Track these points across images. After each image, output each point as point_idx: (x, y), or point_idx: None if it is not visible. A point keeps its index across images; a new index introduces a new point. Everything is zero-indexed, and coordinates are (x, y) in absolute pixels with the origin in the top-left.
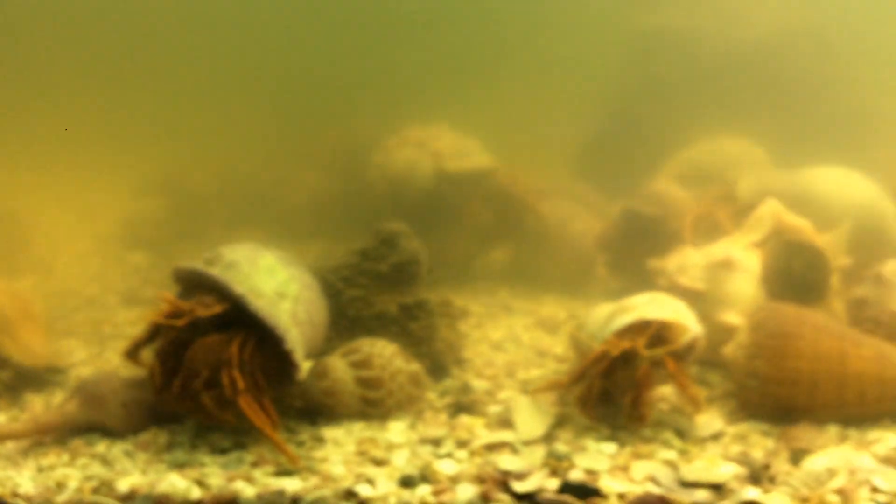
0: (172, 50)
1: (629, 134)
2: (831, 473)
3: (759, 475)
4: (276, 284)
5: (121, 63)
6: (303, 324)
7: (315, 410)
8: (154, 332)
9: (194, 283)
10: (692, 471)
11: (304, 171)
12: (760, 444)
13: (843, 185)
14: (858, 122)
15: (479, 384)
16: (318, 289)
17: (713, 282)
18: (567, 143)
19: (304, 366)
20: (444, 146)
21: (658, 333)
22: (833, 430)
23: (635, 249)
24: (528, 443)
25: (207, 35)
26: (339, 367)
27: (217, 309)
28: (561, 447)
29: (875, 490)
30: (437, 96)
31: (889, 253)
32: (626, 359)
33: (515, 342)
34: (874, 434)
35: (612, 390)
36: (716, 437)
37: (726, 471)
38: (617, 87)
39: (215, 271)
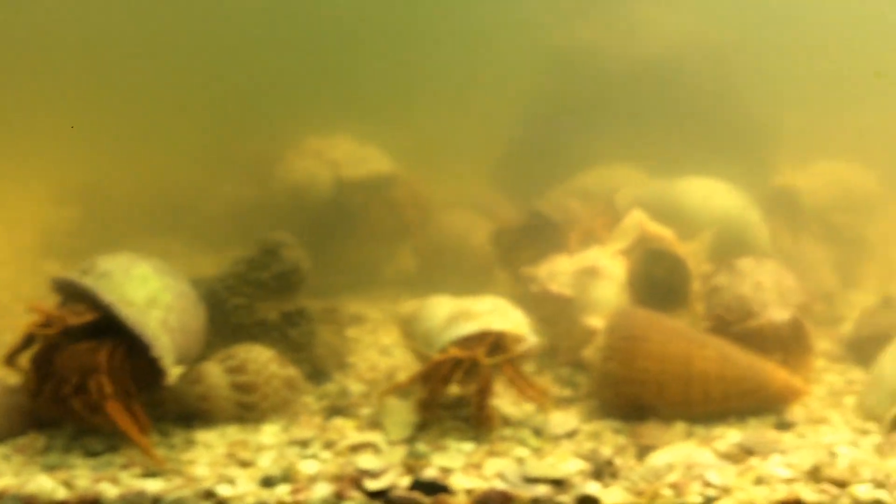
0: (91, 55)
1: (540, 147)
2: (670, 468)
3: (602, 471)
4: (147, 293)
5: (37, 67)
6: (174, 331)
7: (191, 415)
8: (28, 340)
9: (70, 293)
10: (536, 467)
11: (223, 181)
12: (612, 441)
13: (709, 196)
14: (755, 135)
15: (357, 388)
16: (195, 298)
17: (580, 288)
18: (483, 154)
19: (175, 371)
20: (341, 155)
21: (496, 341)
22: (680, 427)
23: (528, 251)
24: (393, 443)
25: (126, 41)
26: (214, 372)
27: (88, 317)
28: (422, 447)
29: (707, 484)
30: (354, 107)
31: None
32: (466, 366)
33: (404, 347)
34: (718, 431)
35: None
36: (571, 434)
37: (571, 467)
38: (531, 100)
39: (88, 281)
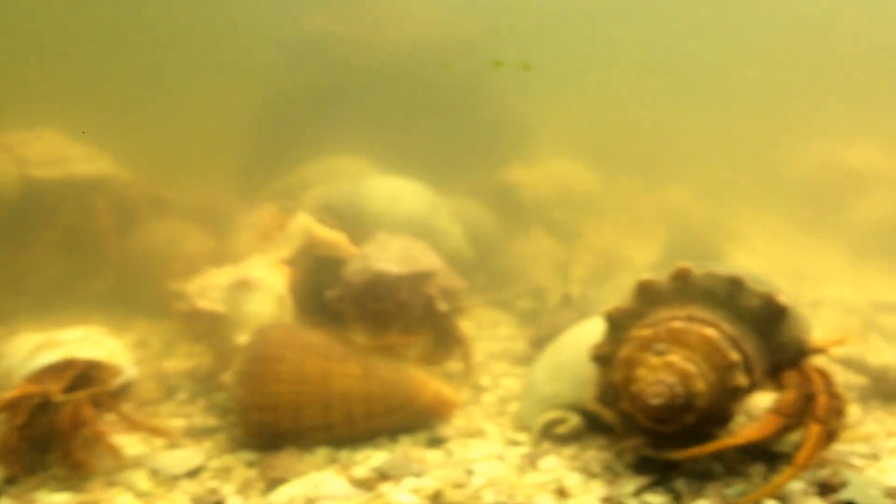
0: None
1: (276, 141)
2: (291, 503)
3: None
4: None
5: None
6: None
7: None
8: None
9: None
10: None
11: None
12: (242, 476)
13: (395, 199)
14: (500, 129)
15: None
16: None
17: (232, 303)
18: (228, 152)
19: None
20: (35, 153)
21: (87, 374)
22: (322, 454)
23: None
24: None
25: None
26: None
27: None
28: (6, 502)
29: None
30: (95, 105)
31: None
32: (45, 405)
33: None
34: (363, 454)
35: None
36: (194, 473)
37: None
38: (270, 92)
39: None
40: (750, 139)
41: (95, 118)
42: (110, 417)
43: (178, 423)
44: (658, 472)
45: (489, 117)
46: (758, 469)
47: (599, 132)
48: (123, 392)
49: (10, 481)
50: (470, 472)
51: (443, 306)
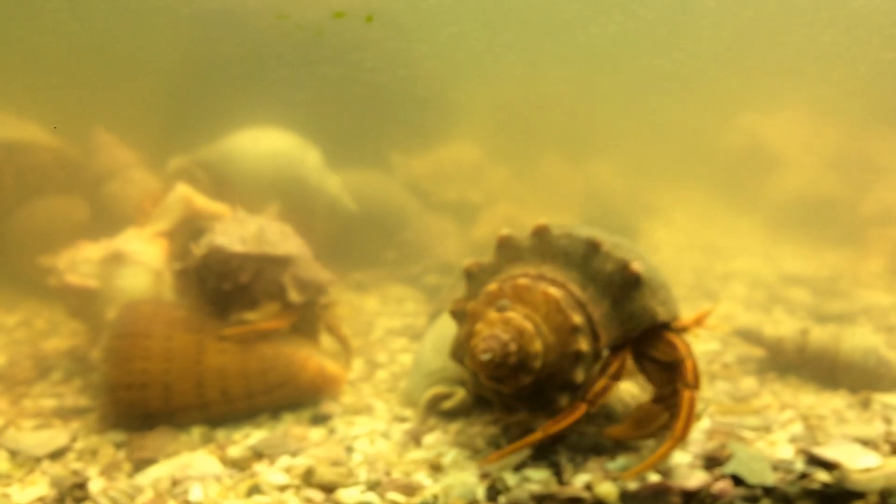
0: None
1: (183, 114)
2: (155, 484)
3: (66, 496)
4: None
5: None
6: None
7: None
8: None
9: None
10: None
11: None
12: (110, 457)
13: (261, 153)
14: (426, 108)
15: None
16: None
17: (105, 278)
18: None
19: None
20: None
21: None
22: (197, 433)
23: None
24: None
25: None
26: None
27: None
28: None
29: (185, 502)
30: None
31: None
32: None
33: None
34: (242, 432)
35: None
36: (57, 454)
37: (31, 495)
38: (176, 65)
39: None
40: (674, 117)
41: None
42: None
43: (48, 404)
44: (541, 446)
45: (411, 95)
46: (648, 443)
47: (524, 110)
48: None
49: None
50: (350, 450)
51: (295, 297)
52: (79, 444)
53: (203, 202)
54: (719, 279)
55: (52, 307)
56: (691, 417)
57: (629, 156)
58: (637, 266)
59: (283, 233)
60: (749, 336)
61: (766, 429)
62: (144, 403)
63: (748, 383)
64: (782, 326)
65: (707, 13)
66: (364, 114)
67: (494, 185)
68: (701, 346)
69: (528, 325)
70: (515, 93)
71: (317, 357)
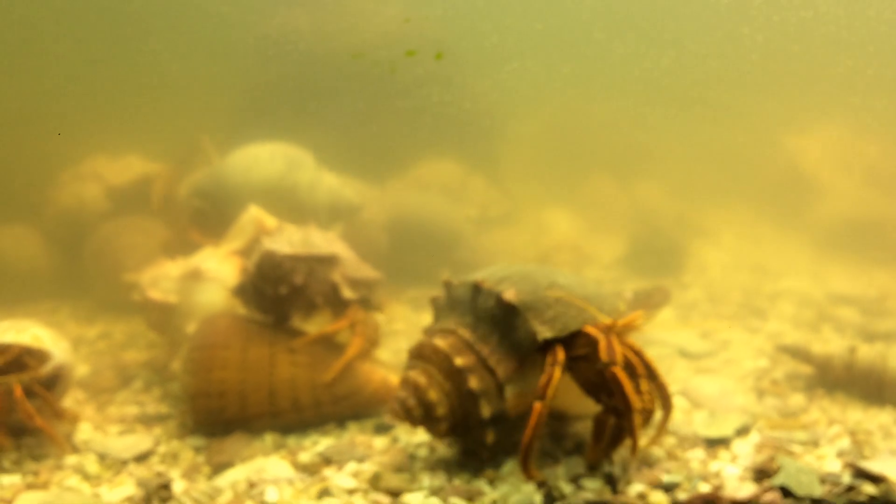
0: None
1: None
2: (233, 487)
3: (152, 496)
4: None
5: None
6: None
7: None
8: None
9: None
10: (62, 499)
11: None
12: (190, 460)
13: (250, 166)
14: (470, 120)
15: None
16: None
17: (184, 293)
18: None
19: None
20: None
21: (18, 359)
22: (270, 440)
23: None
24: None
25: None
26: None
27: None
28: None
29: (261, 503)
30: None
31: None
32: None
33: None
34: (311, 440)
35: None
36: (142, 457)
37: (119, 495)
38: (241, 89)
39: None
40: (719, 139)
41: None
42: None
43: (131, 411)
44: (595, 459)
45: (461, 119)
46: (697, 454)
47: (571, 133)
48: (56, 379)
49: None
50: (413, 458)
51: (348, 293)
52: (161, 448)
53: (273, 222)
54: (767, 298)
55: (128, 320)
56: (625, 389)
57: (676, 178)
58: (509, 295)
59: (326, 237)
60: (797, 354)
61: (814, 443)
62: (222, 411)
63: (796, 399)
64: (830, 345)
65: (755, 48)
66: (429, 140)
67: (543, 208)
68: (750, 364)
69: (422, 379)
70: (568, 120)
71: (380, 370)
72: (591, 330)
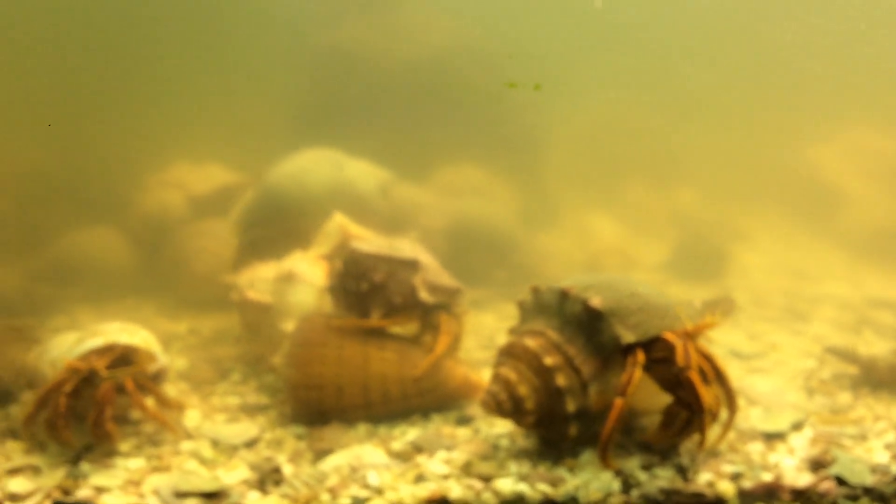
0: None
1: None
2: (337, 471)
3: (266, 479)
4: None
5: None
6: None
7: None
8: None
9: None
10: (188, 481)
11: None
12: (293, 447)
13: (300, 177)
14: (519, 130)
15: None
16: None
17: (278, 294)
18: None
19: None
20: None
21: (125, 357)
22: (363, 429)
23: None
24: (55, 465)
25: None
26: None
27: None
28: (85, 467)
29: (365, 486)
30: None
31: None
32: (90, 380)
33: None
34: (400, 429)
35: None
36: (250, 444)
37: (235, 477)
38: (295, 101)
39: None
40: (753, 144)
41: None
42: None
43: (233, 401)
44: (665, 450)
45: (503, 128)
46: (756, 447)
47: (609, 138)
48: (158, 378)
49: (88, 448)
50: (496, 447)
51: (426, 297)
52: (267, 436)
53: (356, 229)
54: (809, 302)
55: (212, 317)
56: (698, 392)
57: (710, 183)
58: (595, 302)
59: (413, 246)
60: (844, 355)
61: (863, 437)
62: (320, 402)
63: (844, 398)
64: (874, 347)
65: (791, 61)
66: (469, 146)
67: (583, 212)
68: (798, 364)
69: (513, 375)
70: (606, 125)
71: (462, 366)
72: (668, 335)
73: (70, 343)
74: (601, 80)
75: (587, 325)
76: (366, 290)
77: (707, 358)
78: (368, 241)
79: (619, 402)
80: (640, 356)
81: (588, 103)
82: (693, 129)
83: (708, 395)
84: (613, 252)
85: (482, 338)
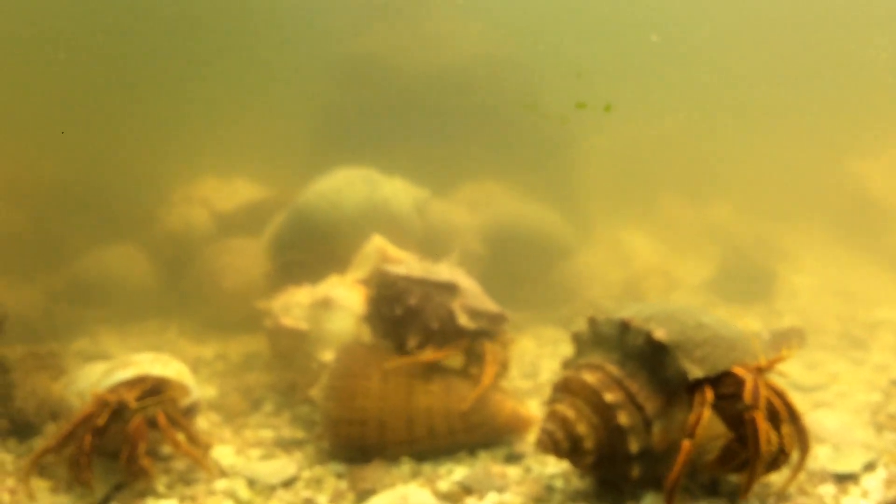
0: None
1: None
2: None
3: None
4: None
5: None
6: None
7: None
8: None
9: None
10: None
11: None
12: (333, 486)
13: (334, 198)
14: (549, 142)
15: None
16: None
17: (314, 321)
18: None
19: None
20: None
21: (155, 390)
22: (407, 467)
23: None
24: None
25: None
26: None
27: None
28: None
29: None
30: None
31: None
32: (118, 414)
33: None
34: (445, 468)
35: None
36: (288, 483)
37: None
38: (323, 108)
39: None
40: (791, 158)
41: None
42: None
43: (267, 435)
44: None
45: (534, 140)
46: (828, 490)
47: (644, 154)
48: (190, 412)
49: (118, 487)
50: (550, 489)
51: (465, 322)
52: (305, 474)
53: (395, 252)
54: (866, 328)
55: (239, 340)
56: (759, 436)
57: (747, 199)
58: (660, 334)
59: (451, 269)
60: None
61: None
62: (362, 438)
63: None
64: None
65: (826, 74)
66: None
67: (617, 229)
68: (863, 397)
69: (571, 412)
70: (637, 139)
71: (510, 400)
72: (739, 370)
73: (99, 374)
74: (641, 97)
75: (650, 358)
76: (400, 315)
77: (779, 394)
78: (402, 264)
79: (686, 444)
80: (709, 394)
81: (623, 116)
82: (731, 142)
83: (778, 435)
84: (654, 271)
85: (524, 364)
